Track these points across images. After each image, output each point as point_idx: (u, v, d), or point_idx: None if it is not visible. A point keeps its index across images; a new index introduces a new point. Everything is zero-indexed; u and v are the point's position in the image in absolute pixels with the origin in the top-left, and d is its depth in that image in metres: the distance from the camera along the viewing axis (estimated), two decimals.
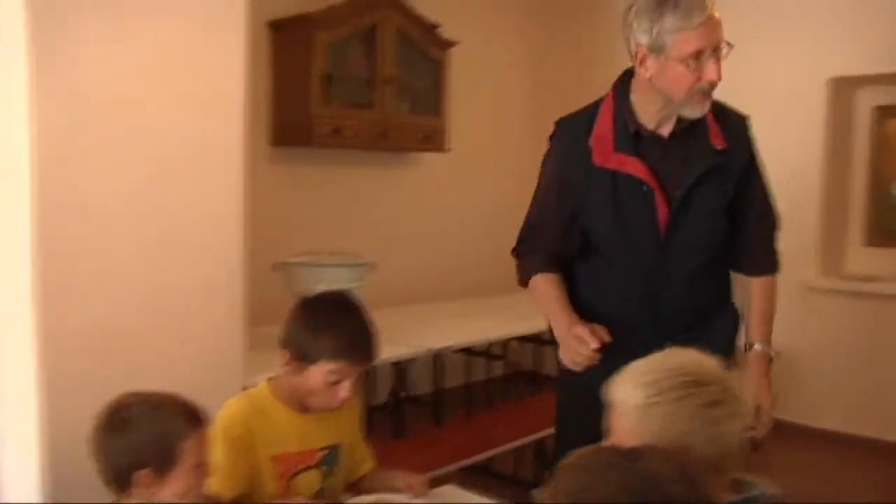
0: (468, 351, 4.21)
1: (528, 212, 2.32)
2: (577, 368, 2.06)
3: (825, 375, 5.03)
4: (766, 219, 2.27)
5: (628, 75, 2.15)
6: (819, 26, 4.87)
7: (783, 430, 4.96)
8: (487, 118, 5.71)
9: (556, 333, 2.15)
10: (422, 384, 4.54)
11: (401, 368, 4.23)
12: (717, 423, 1.29)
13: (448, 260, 5.49)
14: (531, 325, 4.35)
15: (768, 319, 2.27)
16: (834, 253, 5.18)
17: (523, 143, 5.83)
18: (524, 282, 2.30)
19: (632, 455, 1.11)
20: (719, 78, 1.97)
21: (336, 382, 1.98)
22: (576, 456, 1.15)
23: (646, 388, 1.32)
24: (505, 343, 4.65)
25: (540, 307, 2.24)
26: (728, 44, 1.97)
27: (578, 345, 2.02)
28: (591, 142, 2.11)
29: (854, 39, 4.77)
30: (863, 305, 4.91)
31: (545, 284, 2.22)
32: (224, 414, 2.01)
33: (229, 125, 2.89)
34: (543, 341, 4.73)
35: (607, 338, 2.01)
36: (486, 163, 5.75)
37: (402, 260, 5.11)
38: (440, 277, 5.37)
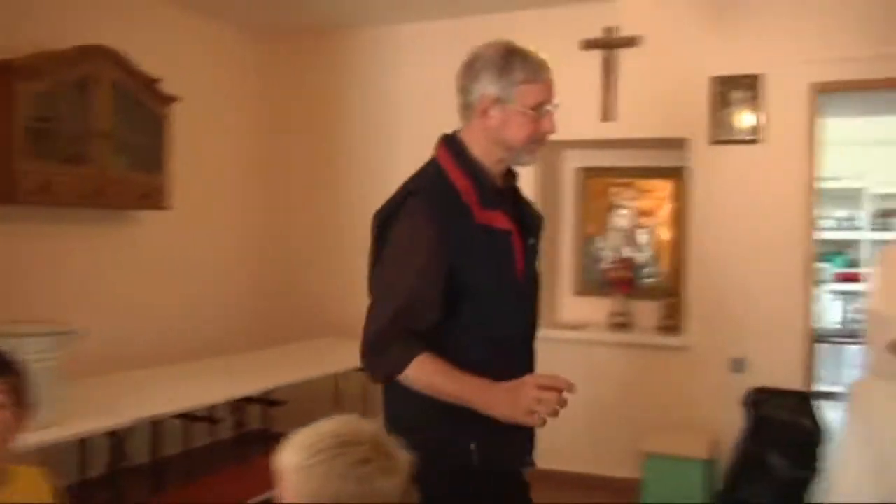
0: (188, 416, 4.05)
1: (386, 297, 2.07)
2: (540, 424, 1.96)
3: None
4: None
5: (451, 137, 2.20)
6: None
7: None
8: (213, 174, 5.62)
9: (495, 396, 1.97)
10: (142, 453, 4.31)
11: (117, 439, 3.99)
12: (368, 480, 1.34)
13: (171, 322, 5.30)
14: (258, 385, 4.28)
15: None
16: (549, 303, 5.55)
17: (250, 199, 5.79)
18: (395, 372, 2.01)
19: None
20: (554, 130, 2.18)
21: None
22: None
23: (303, 452, 1.36)
24: (234, 404, 4.53)
25: (439, 385, 2.00)
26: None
27: (553, 395, 1.93)
28: (466, 200, 2.11)
29: (561, 107, 5.18)
30: (575, 351, 5.28)
31: (436, 362, 2.00)
32: None
33: None
34: (272, 402, 4.67)
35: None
36: (211, 220, 5.65)
37: (120, 324, 4.88)
38: (162, 341, 5.16)
